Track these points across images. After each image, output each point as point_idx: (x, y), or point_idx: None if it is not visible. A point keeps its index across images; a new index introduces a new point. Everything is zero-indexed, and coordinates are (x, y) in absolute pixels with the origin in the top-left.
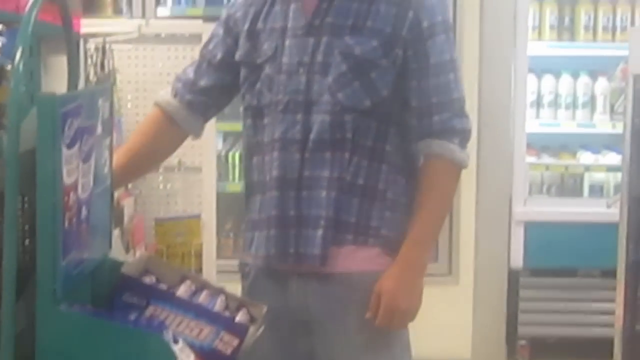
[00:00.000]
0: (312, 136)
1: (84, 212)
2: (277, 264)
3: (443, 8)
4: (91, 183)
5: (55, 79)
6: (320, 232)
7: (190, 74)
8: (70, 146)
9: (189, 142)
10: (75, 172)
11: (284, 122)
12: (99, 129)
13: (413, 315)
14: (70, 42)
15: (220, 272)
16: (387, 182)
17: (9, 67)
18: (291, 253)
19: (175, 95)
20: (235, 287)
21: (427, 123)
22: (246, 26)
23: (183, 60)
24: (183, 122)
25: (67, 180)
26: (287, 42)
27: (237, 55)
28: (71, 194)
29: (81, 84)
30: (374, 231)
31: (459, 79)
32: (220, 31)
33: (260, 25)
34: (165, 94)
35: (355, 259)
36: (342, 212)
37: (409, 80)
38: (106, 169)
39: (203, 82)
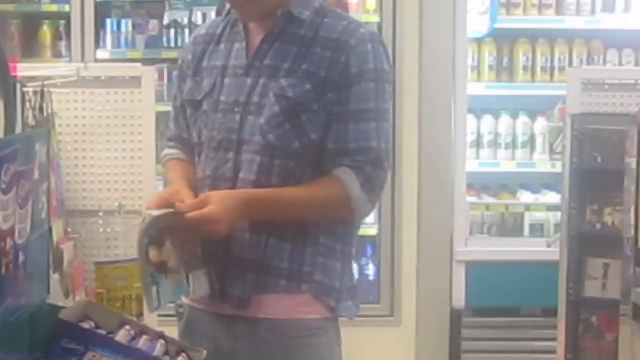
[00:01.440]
0: (240, 175)
1: (20, 257)
2: (205, 304)
3: (378, 56)
4: (28, 228)
5: None
6: (244, 274)
7: (173, 129)
8: (6, 191)
9: (129, 185)
10: (11, 218)
11: (215, 159)
12: (36, 174)
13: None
14: (7, 86)
15: (161, 315)
16: (317, 227)
17: None
18: (216, 291)
19: (174, 148)
20: (176, 331)
21: (338, 161)
22: (193, 65)
23: (122, 103)
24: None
25: (3, 225)
26: (226, 81)
27: (184, 94)
28: (7, 240)
29: (18, 128)
30: (307, 276)
31: (382, 129)
32: (177, 78)
33: (204, 63)
34: (167, 151)
35: (281, 306)
36: (273, 257)
37: (330, 123)
38: (43, 214)
39: (184, 134)
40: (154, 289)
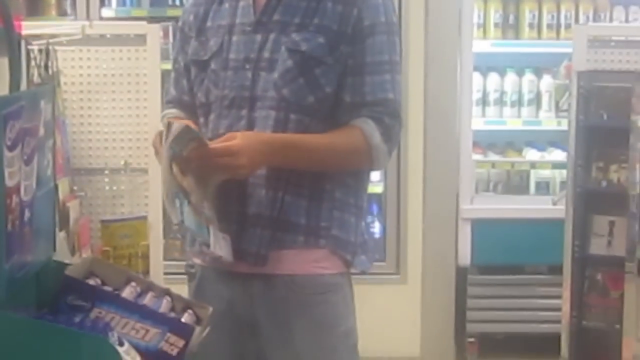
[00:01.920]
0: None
1: (26, 214)
2: (220, 263)
3: (388, 9)
4: (34, 185)
5: None
6: (261, 231)
7: (173, 91)
8: (11, 148)
9: (134, 143)
10: (17, 175)
11: (228, 117)
12: (42, 131)
13: (238, 174)
14: (12, 43)
15: (167, 273)
16: (333, 182)
17: None
18: (233, 250)
19: (174, 109)
20: (182, 289)
21: (356, 113)
22: (196, 26)
23: (128, 61)
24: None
25: (9, 182)
26: (234, 39)
27: (188, 55)
28: (13, 197)
29: (23, 86)
30: (324, 231)
31: (396, 81)
32: (179, 40)
33: (209, 23)
34: (167, 111)
35: (299, 262)
36: (290, 213)
37: (345, 76)
38: (49, 171)
39: (185, 96)
40: (177, 202)
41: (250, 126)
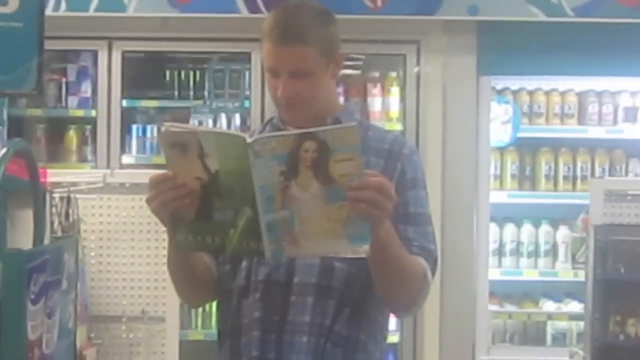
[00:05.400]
0: (295, 279)
1: None
2: None
3: (421, 166)
4: (55, 338)
5: (20, 231)
6: None
7: None
8: (35, 302)
9: (152, 291)
10: (39, 328)
11: (267, 264)
12: (64, 284)
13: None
14: (37, 197)
15: None
16: (366, 334)
17: None
18: None
19: None
20: None
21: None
22: None
23: (147, 209)
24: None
25: (32, 336)
26: None
27: None
28: (35, 350)
29: (45, 234)
30: None
31: (434, 234)
32: None
33: None
34: None
35: None
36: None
37: (393, 222)
38: (70, 324)
39: None
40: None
41: (291, 273)
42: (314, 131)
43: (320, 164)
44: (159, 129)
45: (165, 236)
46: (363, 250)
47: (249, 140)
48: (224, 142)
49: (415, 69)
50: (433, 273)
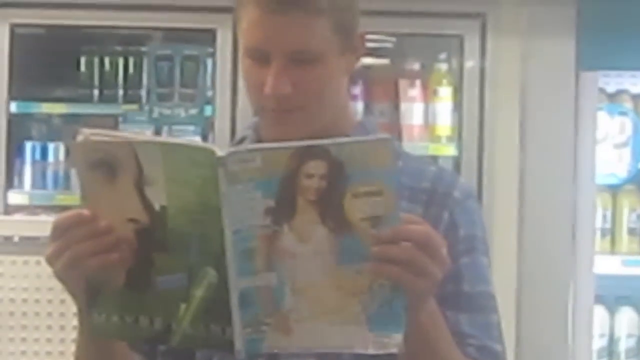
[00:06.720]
0: None
1: None
2: None
3: (482, 219)
4: None
5: None
6: None
7: None
8: None
9: None
10: None
11: None
12: None
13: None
14: None
15: None
16: None
17: None
18: None
19: None
20: None
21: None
22: None
23: (48, 278)
24: None
25: None
26: None
27: None
28: None
29: None
30: None
31: (500, 324)
32: None
33: None
34: None
35: None
36: None
37: (439, 305)
38: None
39: None
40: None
41: None
42: (323, 144)
43: (331, 198)
44: (71, 142)
45: (75, 319)
46: (393, 343)
47: (219, 153)
48: (177, 159)
49: (479, 59)
50: None
